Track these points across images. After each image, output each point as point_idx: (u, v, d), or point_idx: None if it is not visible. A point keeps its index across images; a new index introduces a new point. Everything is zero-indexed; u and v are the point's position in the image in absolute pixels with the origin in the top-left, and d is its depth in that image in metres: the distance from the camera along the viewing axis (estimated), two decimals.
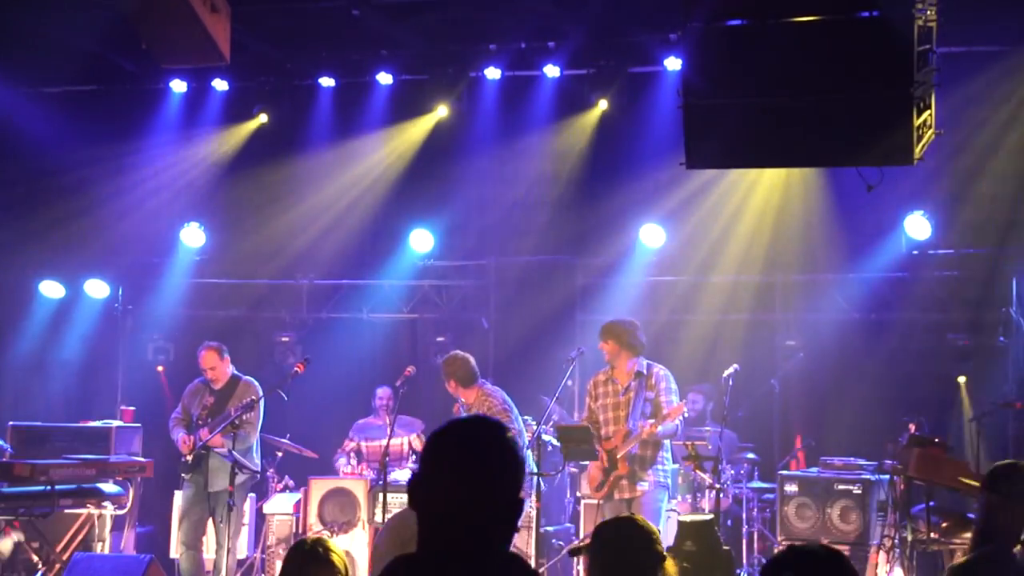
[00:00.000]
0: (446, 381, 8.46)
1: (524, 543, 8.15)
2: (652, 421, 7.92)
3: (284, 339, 11.72)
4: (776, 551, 3.02)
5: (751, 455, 9.93)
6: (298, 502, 10.00)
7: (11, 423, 10.04)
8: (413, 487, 2.52)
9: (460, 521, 2.46)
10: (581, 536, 9.04)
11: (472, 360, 8.48)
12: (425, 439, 10.08)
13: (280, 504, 9.99)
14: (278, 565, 8.86)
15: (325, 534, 9.11)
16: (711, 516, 7.85)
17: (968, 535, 8.07)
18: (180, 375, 9.58)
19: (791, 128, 5.78)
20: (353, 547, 9.45)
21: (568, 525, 9.76)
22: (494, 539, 2.50)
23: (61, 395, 12.04)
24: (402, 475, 9.77)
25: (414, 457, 10.35)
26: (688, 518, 7.70)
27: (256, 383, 9.06)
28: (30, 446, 9.69)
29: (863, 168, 5.83)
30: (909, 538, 7.98)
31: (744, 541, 9.35)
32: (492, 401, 8.26)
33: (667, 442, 8.19)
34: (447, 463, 2.49)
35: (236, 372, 9.18)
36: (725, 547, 7.76)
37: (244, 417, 8.56)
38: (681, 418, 8.08)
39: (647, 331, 8.54)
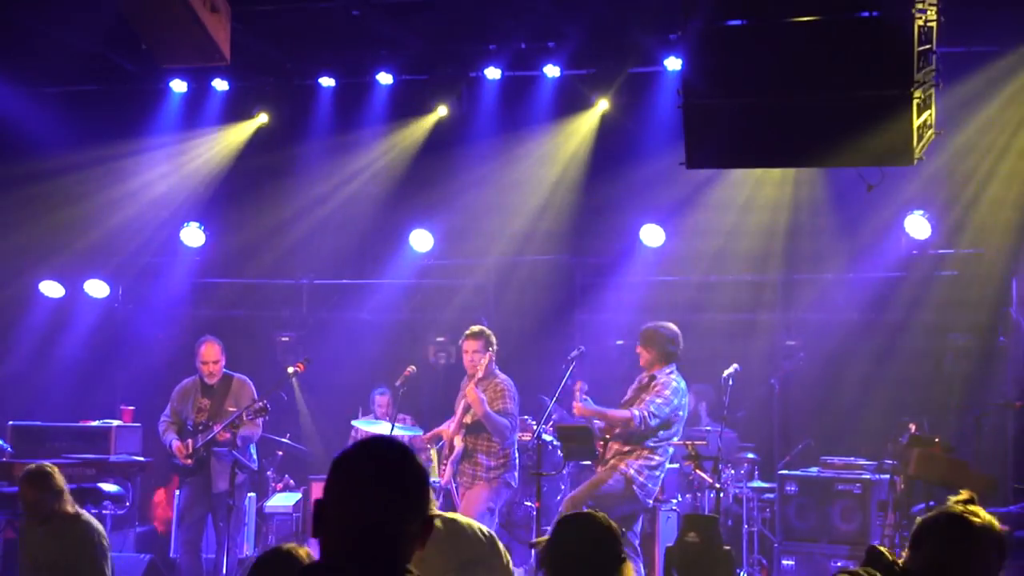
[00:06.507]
0: (481, 353, 8.40)
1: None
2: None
3: (284, 339, 11.72)
4: None
5: (751, 455, 9.93)
6: (299, 501, 9.98)
7: (11, 423, 10.05)
8: (320, 506, 2.54)
9: (373, 536, 2.51)
10: None
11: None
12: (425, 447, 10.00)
13: (280, 503, 9.97)
14: None
15: None
16: (714, 515, 7.88)
17: None
18: (180, 375, 9.54)
19: (791, 128, 5.78)
20: None
21: None
22: (400, 557, 2.55)
23: (61, 395, 12.02)
24: None
25: None
26: (693, 514, 7.76)
27: (249, 381, 9.02)
28: (30, 446, 9.69)
29: (863, 168, 5.83)
30: None
31: (744, 541, 9.34)
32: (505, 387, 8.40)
33: (659, 449, 8.05)
34: (364, 478, 2.54)
35: (227, 369, 9.17)
36: (726, 547, 7.78)
37: (246, 416, 8.56)
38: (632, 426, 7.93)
39: None
